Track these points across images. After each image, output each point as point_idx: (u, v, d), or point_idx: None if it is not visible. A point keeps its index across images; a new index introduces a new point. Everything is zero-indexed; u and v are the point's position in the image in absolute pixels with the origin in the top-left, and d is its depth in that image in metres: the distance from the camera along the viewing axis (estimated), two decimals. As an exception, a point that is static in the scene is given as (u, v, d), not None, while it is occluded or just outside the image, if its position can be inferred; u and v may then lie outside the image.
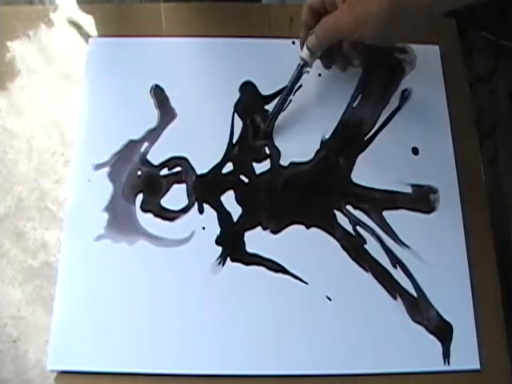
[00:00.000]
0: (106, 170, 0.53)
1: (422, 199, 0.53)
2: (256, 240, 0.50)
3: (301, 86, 0.57)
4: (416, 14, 0.45)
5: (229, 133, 0.55)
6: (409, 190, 0.53)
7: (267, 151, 0.54)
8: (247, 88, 0.57)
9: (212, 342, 0.47)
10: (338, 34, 0.48)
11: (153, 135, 0.54)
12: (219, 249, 0.50)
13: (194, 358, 0.46)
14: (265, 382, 0.46)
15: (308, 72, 0.54)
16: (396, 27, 0.46)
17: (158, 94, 0.56)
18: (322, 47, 0.50)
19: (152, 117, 0.55)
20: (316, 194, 0.53)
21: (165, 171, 0.53)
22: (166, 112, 0.56)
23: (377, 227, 0.52)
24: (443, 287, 0.49)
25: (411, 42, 0.59)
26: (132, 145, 0.54)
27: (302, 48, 0.52)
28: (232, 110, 0.56)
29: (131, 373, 0.46)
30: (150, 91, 0.56)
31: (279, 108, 0.54)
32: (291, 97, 0.55)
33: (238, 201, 0.52)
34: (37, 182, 0.53)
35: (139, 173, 0.53)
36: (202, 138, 0.54)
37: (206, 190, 0.52)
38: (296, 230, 0.51)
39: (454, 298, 0.49)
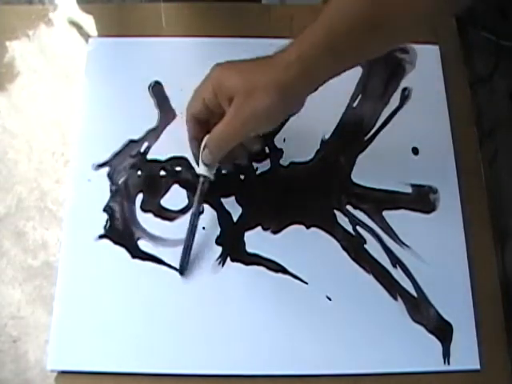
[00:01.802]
0: (106, 169, 0.53)
1: (422, 199, 0.53)
2: (256, 240, 0.50)
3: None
4: (304, 94, 0.44)
5: (229, 133, 0.55)
6: (409, 189, 0.53)
7: (267, 151, 0.54)
8: None
9: (212, 342, 0.47)
10: (232, 142, 0.45)
11: (153, 135, 0.54)
12: (219, 249, 0.50)
13: (193, 358, 0.46)
14: (265, 382, 0.46)
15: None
16: (289, 110, 0.46)
17: (158, 92, 0.56)
18: (218, 159, 0.47)
19: (152, 117, 0.55)
20: (316, 194, 0.53)
21: (165, 171, 0.53)
22: (166, 112, 0.56)
23: (377, 227, 0.52)
24: (443, 287, 0.49)
25: (411, 41, 0.59)
26: (132, 145, 0.54)
27: (197, 164, 0.48)
28: (232, 109, 0.56)
29: (131, 373, 0.46)
30: (149, 88, 0.56)
31: (190, 237, 0.49)
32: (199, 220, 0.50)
33: (238, 201, 0.52)
34: (37, 181, 0.53)
35: (139, 173, 0.53)
36: (202, 137, 0.54)
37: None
38: (296, 229, 0.51)
39: (453, 298, 0.49)
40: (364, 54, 0.44)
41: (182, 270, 0.49)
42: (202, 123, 0.47)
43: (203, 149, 0.46)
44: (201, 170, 0.48)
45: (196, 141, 0.48)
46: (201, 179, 0.49)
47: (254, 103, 0.42)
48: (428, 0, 0.40)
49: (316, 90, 0.45)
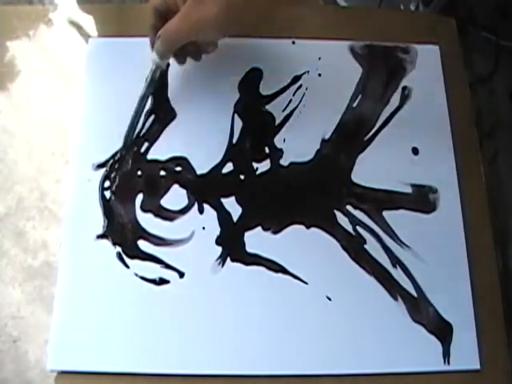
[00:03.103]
0: (106, 169, 0.53)
1: (422, 199, 0.53)
2: (256, 240, 0.50)
3: (301, 85, 0.57)
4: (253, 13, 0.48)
5: (229, 133, 0.55)
6: (409, 189, 0.53)
7: (267, 151, 0.54)
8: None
9: (212, 342, 0.47)
10: (181, 39, 0.49)
11: (153, 135, 0.54)
12: (219, 249, 0.50)
13: (193, 358, 0.47)
14: (265, 382, 0.46)
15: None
16: (236, 25, 0.49)
17: (157, 89, 0.56)
18: (169, 51, 0.51)
19: (152, 117, 0.55)
20: (316, 194, 0.53)
21: (165, 171, 0.53)
22: (166, 112, 0.56)
23: (377, 227, 0.52)
24: (443, 287, 0.49)
25: (411, 41, 0.59)
26: (132, 145, 0.54)
27: (152, 50, 0.51)
28: (232, 110, 0.56)
29: (131, 373, 0.46)
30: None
31: (136, 117, 0.54)
32: (148, 105, 0.55)
33: (238, 201, 0.52)
34: (37, 181, 0.53)
35: (139, 173, 0.53)
36: (202, 137, 0.54)
37: (206, 189, 0.52)
38: (296, 230, 0.51)
39: (453, 298, 0.49)
40: None
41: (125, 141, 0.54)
42: (161, 15, 0.50)
43: (157, 38, 0.50)
44: (153, 57, 0.51)
45: (153, 29, 0.51)
46: (153, 66, 0.52)
47: (202, 9, 0.46)
48: None
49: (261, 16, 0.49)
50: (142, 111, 0.54)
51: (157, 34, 0.50)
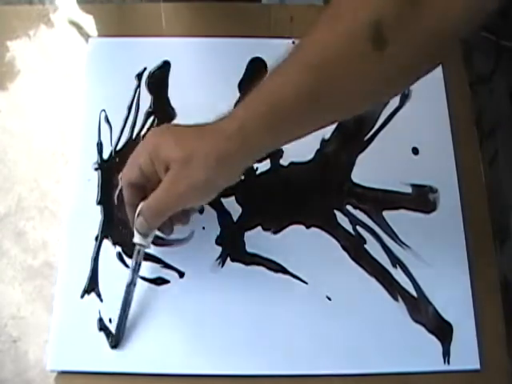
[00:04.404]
0: (106, 169, 0.53)
1: (422, 199, 0.53)
2: (256, 240, 0.50)
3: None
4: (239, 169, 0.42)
5: (229, 133, 0.55)
6: (409, 190, 0.53)
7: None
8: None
9: (212, 342, 0.47)
10: (168, 212, 0.43)
11: (153, 135, 0.54)
12: (219, 249, 0.50)
13: (193, 358, 0.46)
14: (265, 382, 0.46)
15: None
16: (226, 183, 0.43)
17: (157, 89, 0.56)
18: (152, 228, 0.44)
19: (152, 117, 0.55)
20: (316, 194, 0.53)
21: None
22: (166, 112, 0.56)
23: (377, 227, 0.52)
24: (443, 287, 0.49)
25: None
26: (132, 145, 0.54)
27: (132, 230, 0.45)
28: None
29: (131, 373, 0.46)
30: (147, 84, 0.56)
31: (125, 310, 0.46)
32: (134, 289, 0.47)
33: (238, 201, 0.52)
34: (37, 181, 0.53)
35: (139, 173, 0.53)
36: (202, 137, 0.54)
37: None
38: (296, 230, 0.51)
39: (454, 298, 0.49)
40: (305, 130, 0.42)
41: (116, 343, 0.46)
42: (139, 188, 0.44)
43: (137, 216, 0.44)
44: (136, 239, 0.45)
45: (132, 207, 0.45)
46: (137, 247, 0.46)
47: (191, 174, 0.40)
48: (374, 78, 0.37)
49: (253, 163, 0.44)
50: (131, 299, 0.46)
51: (136, 212, 0.44)
